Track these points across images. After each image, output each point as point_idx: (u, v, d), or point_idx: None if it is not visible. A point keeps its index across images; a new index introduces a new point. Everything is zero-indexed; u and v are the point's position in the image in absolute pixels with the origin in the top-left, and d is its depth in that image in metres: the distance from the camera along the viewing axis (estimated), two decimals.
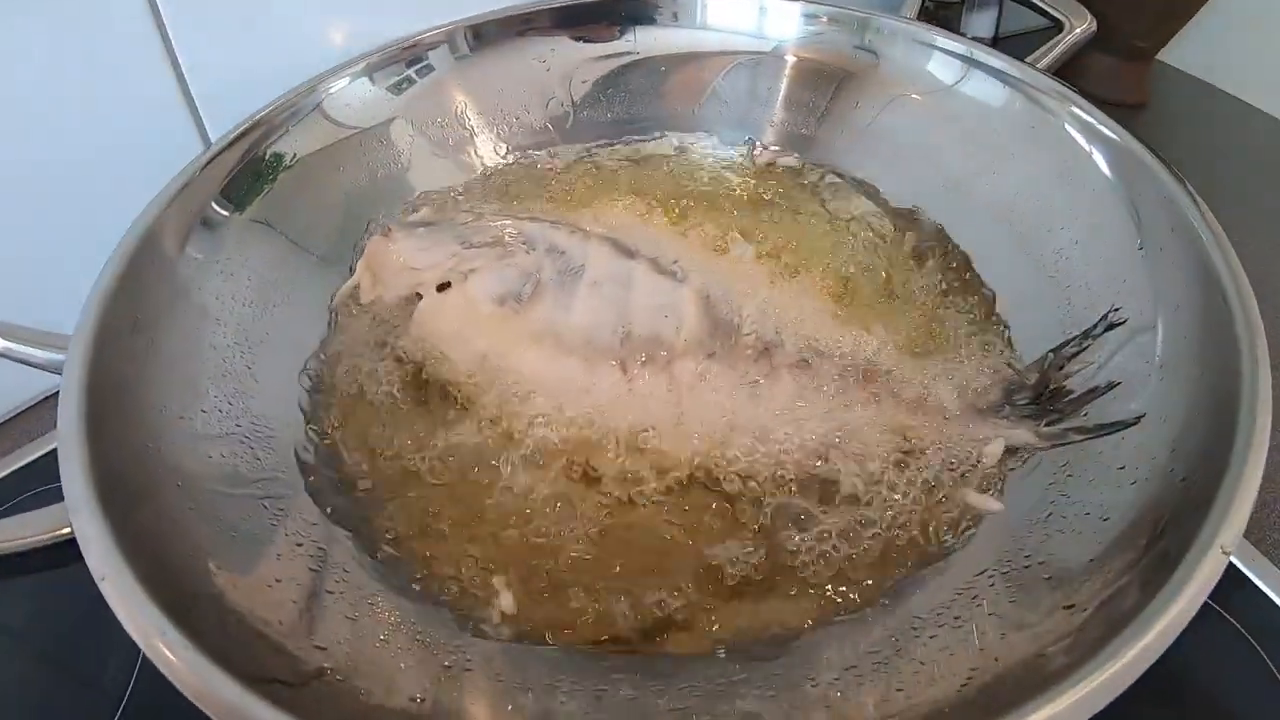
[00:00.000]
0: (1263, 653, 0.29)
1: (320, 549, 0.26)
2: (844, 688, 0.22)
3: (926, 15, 0.60)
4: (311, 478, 0.29)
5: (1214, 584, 0.20)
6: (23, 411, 0.42)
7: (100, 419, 0.24)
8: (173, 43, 0.39)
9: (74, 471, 0.21)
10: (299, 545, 0.26)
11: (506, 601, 0.26)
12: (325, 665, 0.20)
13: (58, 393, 0.42)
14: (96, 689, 0.29)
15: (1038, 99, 0.38)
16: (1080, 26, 0.45)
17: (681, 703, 0.22)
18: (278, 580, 0.24)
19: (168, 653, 0.17)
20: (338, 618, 0.23)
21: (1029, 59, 0.42)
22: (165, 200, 0.32)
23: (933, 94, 0.42)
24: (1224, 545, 0.21)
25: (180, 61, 0.39)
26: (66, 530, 0.21)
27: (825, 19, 0.44)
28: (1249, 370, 0.25)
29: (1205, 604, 0.25)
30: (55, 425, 0.40)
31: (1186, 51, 0.68)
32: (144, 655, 0.29)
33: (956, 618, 0.24)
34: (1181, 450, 0.25)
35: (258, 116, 0.36)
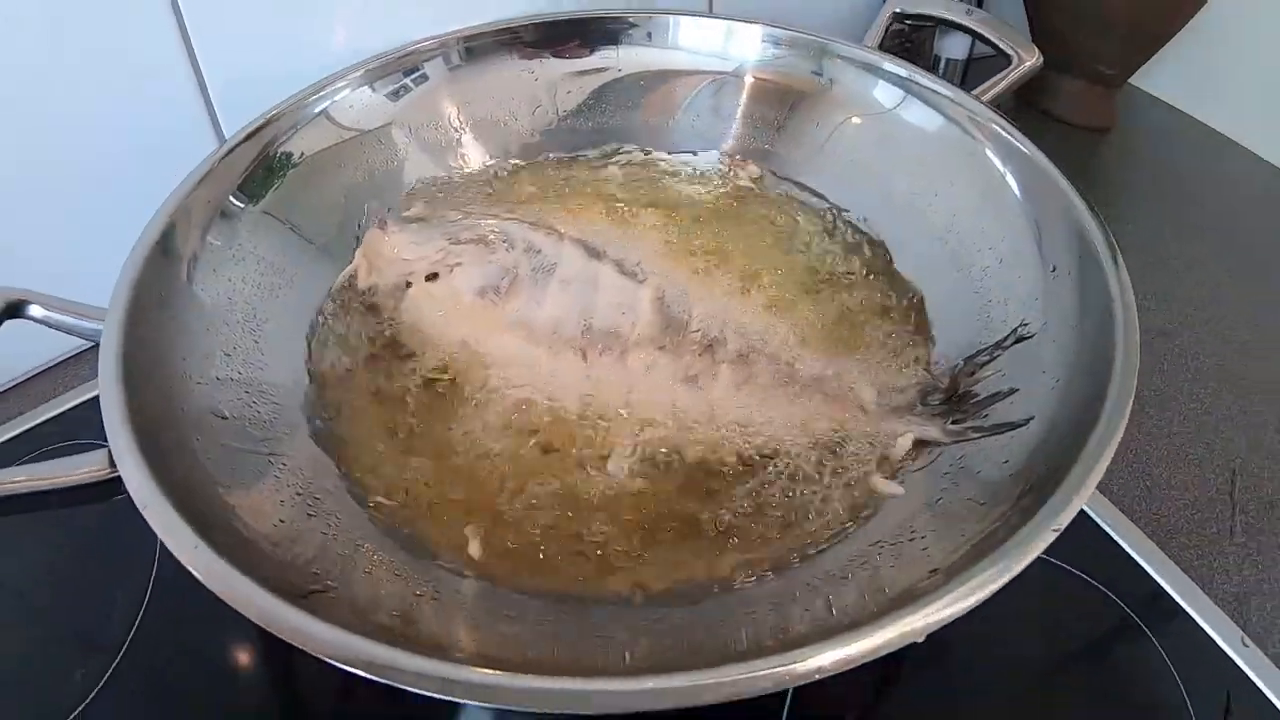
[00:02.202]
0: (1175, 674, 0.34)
1: (316, 499, 0.31)
2: (747, 626, 0.27)
3: (900, 37, 0.63)
4: (309, 437, 0.34)
5: (1037, 555, 0.24)
6: (33, 376, 0.47)
7: (133, 380, 0.28)
8: (192, 41, 0.42)
9: (115, 422, 0.26)
10: (299, 494, 0.30)
11: (474, 547, 0.30)
12: (329, 583, 0.25)
13: (62, 361, 0.47)
14: (109, 614, 0.34)
15: (968, 127, 0.42)
16: (1029, 61, 0.48)
17: (610, 633, 0.27)
18: (281, 521, 0.28)
19: (199, 561, 0.22)
20: (332, 554, 0.28)
21: (977, 90, 0.45)
22: (188, 188, 0.36)
23: (877, 116, 0.45)
24: (1055, 527, 0.25)
25: (198, 58, 0.43)
26: (106, 470, 0.26)
27: (785, 42, 0.48)
28: (1115, 388, 0.29)
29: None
30: (60, 392, 0.45)
31: (1158, 77, 0.69)
32: (151, 589, 0.34)
33: (844, 579, 0.29)
34: (1051, 450, 0.30)
35: (269, 115, 0.40)
